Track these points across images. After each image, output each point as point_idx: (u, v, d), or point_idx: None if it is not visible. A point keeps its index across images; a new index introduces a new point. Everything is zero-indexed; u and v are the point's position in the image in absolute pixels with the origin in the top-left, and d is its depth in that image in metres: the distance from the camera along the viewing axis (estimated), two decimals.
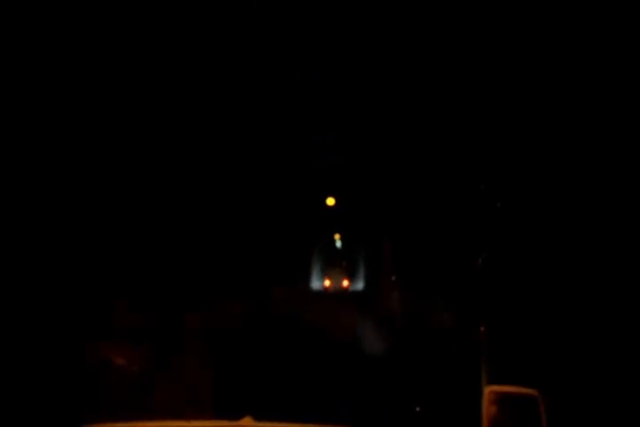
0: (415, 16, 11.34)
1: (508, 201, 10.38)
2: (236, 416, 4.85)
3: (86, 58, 10.18)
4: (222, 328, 15.09)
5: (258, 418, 4.76)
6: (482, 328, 10.97)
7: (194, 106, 12.34)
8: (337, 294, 54.64)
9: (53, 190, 9.68)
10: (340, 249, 65.82)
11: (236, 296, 18.28)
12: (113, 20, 10.38)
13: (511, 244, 10.29)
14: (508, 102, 10.31)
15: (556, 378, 9.07)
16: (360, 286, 66.12)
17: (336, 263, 67.10)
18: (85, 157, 10.15)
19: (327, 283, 66.88)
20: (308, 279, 57.53)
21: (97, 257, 10.53)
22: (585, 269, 8.96)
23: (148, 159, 11.49)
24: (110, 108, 10.45)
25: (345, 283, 67.44)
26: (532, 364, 9.61)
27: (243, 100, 13.61)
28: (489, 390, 7.75)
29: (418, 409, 8.80)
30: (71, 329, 9.95)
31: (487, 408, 7.65)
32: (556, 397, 8.78)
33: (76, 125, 10.07)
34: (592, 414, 8.25)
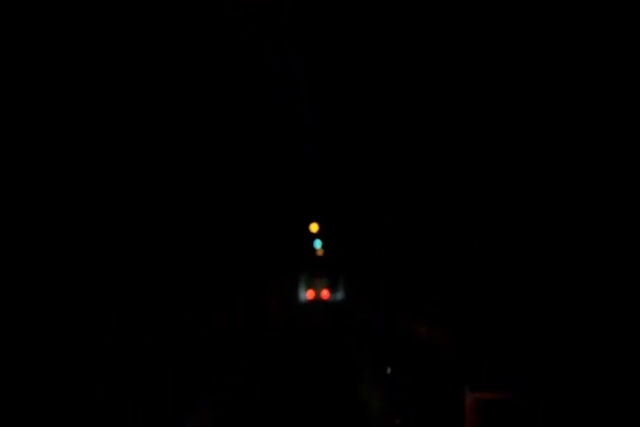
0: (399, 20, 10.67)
1: (501, 195, 9.68)
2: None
3: (78, 61, 9.42)
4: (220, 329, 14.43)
5: None
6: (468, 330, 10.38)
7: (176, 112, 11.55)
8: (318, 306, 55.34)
9: (53, 191, 8.89)
10: (322, 260, 66.53)
11: (230, 305, 17.56)
12: (111, 20, 9.64)
13: (504, 237, 9.57)
14: (499, 96, 9.63)
15: (552, 380, 8.30)
16: (339, 296, 67.04)
17: (318, 275, 68.26)
18: (84, 159, 9.35)
19: (310, 294, 68.43)
20: (295, 291, 58.36)
21: (95, 258, 9.77)
22: (582, 267, 8.16)
23: (140, 169, 10.71)
24: (99, 112, 9.65)
25: (324, 293, 68.71)
26: (525, 366, 8.87)
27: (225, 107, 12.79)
28: (471, 396, 7.06)
29: (398, 423, 8.01)
30: (71, 329, 9.18)
31: (469, 415, 6.91)
32: (550, 399, 8.12)
33: (76, 126, 9.29)
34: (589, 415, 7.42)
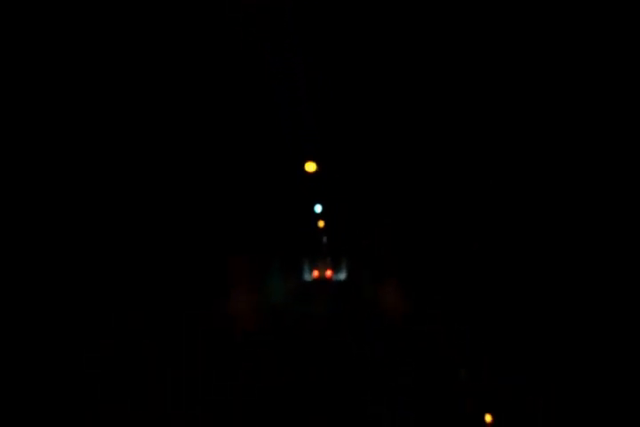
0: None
1: (500, 193, 9.40)
2: None
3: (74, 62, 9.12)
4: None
5: None
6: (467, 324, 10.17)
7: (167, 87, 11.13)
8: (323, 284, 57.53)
9: (52, 191, 8.58)
10: (326, 245, 69.97)
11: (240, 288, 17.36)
12: (112, 20, 9.29)
13: (503, 236, 9.27)
14: (495, 90, 9.34)
15: (550, 377, 8.07)
16: (342, 276, 69.99)
17: (322, 258, 72.71)
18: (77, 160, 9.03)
19: (315, 274, 72.78)
20: (301, 272, 61.09)
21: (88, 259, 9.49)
22: (581, 267, 7.87)
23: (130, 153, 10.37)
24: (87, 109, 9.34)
25: (328, 273, 72.50)
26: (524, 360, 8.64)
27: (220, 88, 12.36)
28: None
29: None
30: (70, 329, 8.91)
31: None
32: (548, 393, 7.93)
33: (75, 126, 8.96)
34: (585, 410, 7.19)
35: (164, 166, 10.92)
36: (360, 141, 16.42)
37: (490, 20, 9.31)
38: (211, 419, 7.33)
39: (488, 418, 7.40)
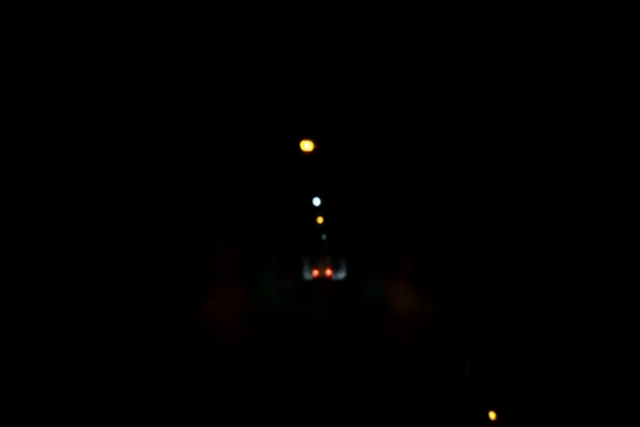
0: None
1: (500, 193, 9.35)
2: None
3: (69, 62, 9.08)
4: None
5: None
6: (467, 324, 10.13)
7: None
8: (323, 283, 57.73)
9: (52, 191, 8.54)
10: (325, 245, 70.00)
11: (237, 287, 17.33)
12: (111, 19, 9.24)
13: (503, 235, 9.23)
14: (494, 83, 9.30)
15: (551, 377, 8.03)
16: (341, 275, 69.95)
17: (322, 257, 72.77)
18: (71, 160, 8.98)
19: (315, 273, 72.90)
20: (300, 271, 61.13)
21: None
22: (581, 267, 7.83)
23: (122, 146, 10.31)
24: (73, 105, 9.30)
25: (328, 272, 72.60)
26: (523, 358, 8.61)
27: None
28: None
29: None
30: (69, 328, 8.86)
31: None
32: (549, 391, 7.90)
33: (73, 125, 8.92)
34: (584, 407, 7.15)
35: (156, 167, 10.87)
36: (359, 139, 16.41)
37: (490, 20, 9.27)
38: (211, 419, 7.29)
39: (492, 416, 7.37)
